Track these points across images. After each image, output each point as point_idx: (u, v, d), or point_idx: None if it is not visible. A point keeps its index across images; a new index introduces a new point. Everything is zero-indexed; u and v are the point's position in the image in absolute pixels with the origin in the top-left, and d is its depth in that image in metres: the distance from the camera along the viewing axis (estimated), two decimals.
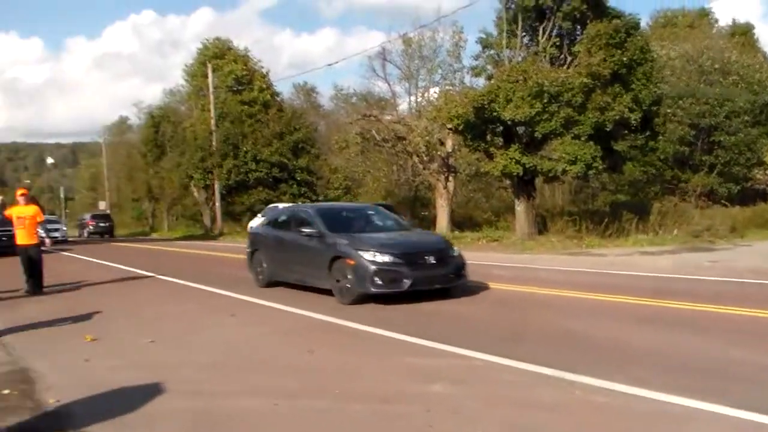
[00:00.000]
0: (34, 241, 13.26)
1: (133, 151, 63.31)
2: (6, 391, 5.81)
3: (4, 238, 23.31)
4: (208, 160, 42.62)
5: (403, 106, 37.19)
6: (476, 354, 6.67)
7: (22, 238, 13.17)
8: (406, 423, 4.80)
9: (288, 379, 6.11)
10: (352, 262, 9.82)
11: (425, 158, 30.28)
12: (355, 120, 32.95)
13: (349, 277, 9.88)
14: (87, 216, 55.06)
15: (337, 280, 10.17)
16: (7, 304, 11.94)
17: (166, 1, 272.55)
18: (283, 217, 13.04)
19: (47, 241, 14.09)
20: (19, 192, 13.96)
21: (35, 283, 13.17)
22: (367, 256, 9.73)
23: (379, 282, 9.59)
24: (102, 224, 51.52)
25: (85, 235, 50.03)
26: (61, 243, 34.16)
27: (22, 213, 13.19)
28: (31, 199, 14.12)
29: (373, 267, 9.60)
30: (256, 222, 30.20)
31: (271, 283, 12.18)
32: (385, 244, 10.17)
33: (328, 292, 10.77)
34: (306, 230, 11.04)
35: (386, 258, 9.69)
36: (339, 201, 39.00)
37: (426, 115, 30.07)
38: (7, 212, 13.97)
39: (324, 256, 10.45)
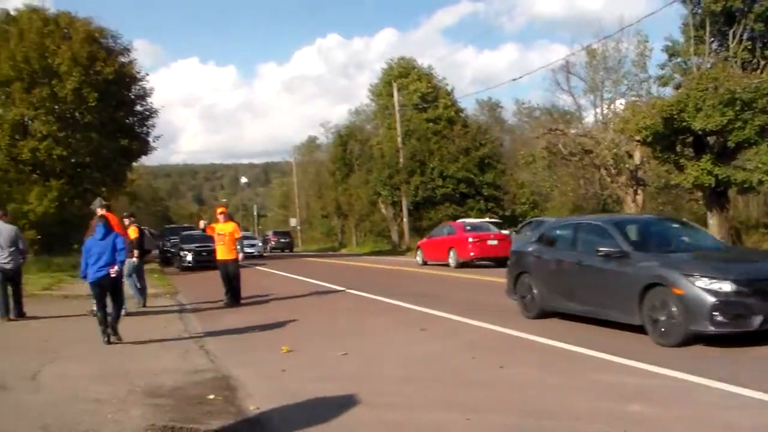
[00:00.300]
0: (233, 257, 14.57)
1: (322, 169, 68.94)
2: (211, 396, 6.52)
3: (204, 253, 26.76)
4: (396, 176, 45.48)
5: (588, 118, 38.11)
6: (676, 374, 6.75)
7: (221, 253, 14.61)
8: None
9: (480, 393, 6.39)
10: (679, 292, 8.16)
11: (613, 171, 31.01)
12: (541, 134, 33.65)
13: (674, 310, 8.19)
14: (270, 233, 64.94)
15: (654, 316, 8.48)
16: (209, 314, 13.28)
17: (350, 25, 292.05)
18: (560, 232, 11.57)
19: (240, 255, 14.90)
20: (219, 210, 15.45)
21: (233, 296, 14.52)
22: (701, 283, 8.05)
23: (721, 319, 7.87)
24: (282, 240, 60.45)
25: (268, 249, 56.87)
26: (256, 258, 39.11)
27: (221, 230, 14.62)
28: (229, 217, 15.27)
29: (711, 299, 7.90)
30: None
31: (545, 314, 10.82)
32: (719, 267, 8.45)
33: (512, 309, 11.30)
34: (603, 249, 9.39)
35: (728, 286, 7.98)
36: (526, 216, 40.25)
37: (613, 127, 30.73)
38: (209, 229, 15.14)
39: (631, 282, 8.82)
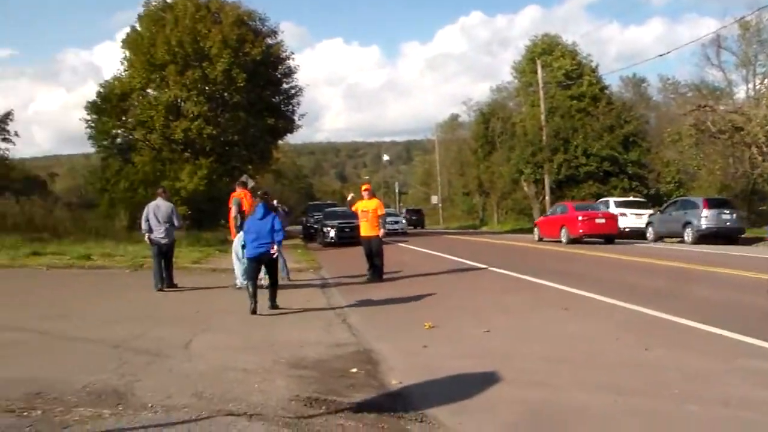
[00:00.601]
0: (376, 233, 14.75)
1: (464, 146, 69.17)
2: (354, 370, 6.61)
3: (347, 230, 27.16)
4: (539, 154, 44.94)
5: (739, 94, 36.74)
6: None
7: (365, 230, 14.85)
8: (752, 430, 4.86)
9: (625, 375, 6.27)
10: None
11: (765, 149, 30.12)
12: (689, 111, 32.70)
13: None
14: (404, 210, 68.66)
15: None
16: (351, 289, 13.43)
17: (493, 2, 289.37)
18: None
19: (381, 232, 15.03)
20: (363, 187, 15.54)
21: (375, 272, 14.75)
22: None
23: None
24: (413, 217, 62.82)
25: None
26: (399, 234, 39.11)
27: (365, 207, 14.83)
28: (372, 194, 15.34)
29: None
30: None
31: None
32: None
33: (658, 291, 11.54)
34: None
35: None
36: (671, 195, 39.14)
37: (766, 103, 29.88)
38: (354, 206, 15.34)
39: None
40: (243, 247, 12.63)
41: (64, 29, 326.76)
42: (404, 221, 46.24)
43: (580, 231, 25.53)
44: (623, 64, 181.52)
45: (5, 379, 6.07)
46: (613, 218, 26.58)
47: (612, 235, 26.16)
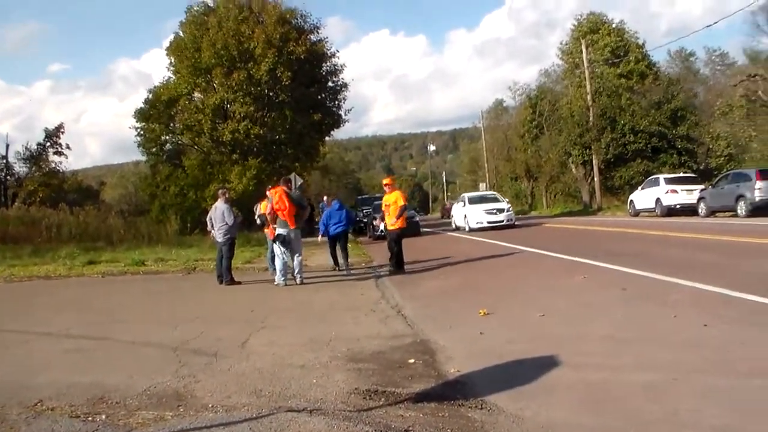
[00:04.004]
0: (399, 225, 15.06)
1: (510, 132, 69.00)
2: (411, 360, 6.64)
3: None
4: (586, 135, 44.64)
5: None
6: None
7: (388, 223, 15.24)
8: None
9: (685, 353, 6.19)
10: None
11: None
12: (739, 82, 32.58)
13: None
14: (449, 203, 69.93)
15: None
16: (404, 280, 13.66)
17: None
18: None
19: (401, 223, 15.20)
20: (384, 182, 15.97)
21: (397, 263, 14.99)
22: None
23: None
24: None
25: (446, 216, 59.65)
26: (507, 227, 37.66)
27: (386, 201, 15.27)
28: (393, 187, 15.61)
29: None
30: (637, 195, 32.78)
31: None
32: None
33: (714, 266, 11.50)
34: None
35: None
36: (722, 169, 38.28)
37: None
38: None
39: None
40: (274, 241, 13.50)
41: (114, 40, 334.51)
42: (510, 210, 31.54)
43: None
44: (673, 38, 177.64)
45: (69, 384, 6.17)
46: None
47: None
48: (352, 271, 15.97)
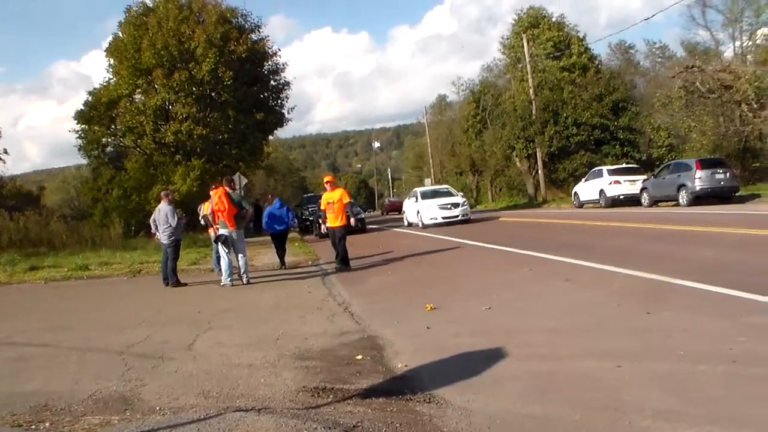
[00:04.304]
0: (342, 223, 15.07)
1: (454, 127, 69.19)
2: (359, 357, 6.66)
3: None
4: (529, 128, 45.27)
5: (727, 53, 36.70)
6: None
7: (330, 221, 15.25)
8: (762, 385, 4.80)
9: (629, 341, 6.27)
10: None
11: (755, 105, 30.12)
12: (677, 73, 32.78)
13: None
14: (386, 201, 74.72)
15: None
16: (350, 277, 13.62)
17: None
18: None
19: (352, 221, 15.48)
20: (325, 179, 15.95)
21: (342, 261, 15.09)
22: None
23: None
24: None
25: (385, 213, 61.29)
26: (462, 223, 35.34)
27: (329, 198, 15.21)
28: (335, 185, 15.74)
29: None
30: (581, 187, 33.40)
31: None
32: None
33: (657, 255, 11.71)
34: None
35: None
36: (663, 160, 38.93)
37: (754, 59, 30.07)
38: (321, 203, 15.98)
39: None
40: (216, 242, 13.61)
41: (52, 41, 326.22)
42: (466, 205, 29.49)
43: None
44: (612, 30, 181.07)
45: (11, 393, 6.06)
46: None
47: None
48: (299, 270, 15.99)
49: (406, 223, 31.91)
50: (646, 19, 46.09)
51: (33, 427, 4.98)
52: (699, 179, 24.75)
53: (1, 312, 12.48)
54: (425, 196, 30.14)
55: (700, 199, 24.74)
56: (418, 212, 29.10)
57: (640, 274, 9.75)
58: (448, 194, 30.30)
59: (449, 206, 28.24)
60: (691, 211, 22.59)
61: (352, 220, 15.43)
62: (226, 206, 13.51)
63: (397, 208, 72.96)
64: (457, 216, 27.92)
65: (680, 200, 25.52)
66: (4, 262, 19.77)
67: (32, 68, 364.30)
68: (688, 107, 34.46)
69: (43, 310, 12.40)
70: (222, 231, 13.54)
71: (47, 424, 5.03)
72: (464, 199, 30.14)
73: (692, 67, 32.65)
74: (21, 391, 6.14)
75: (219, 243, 13.63)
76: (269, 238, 17.79)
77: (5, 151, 43.30)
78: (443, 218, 27.71)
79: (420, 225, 28.41)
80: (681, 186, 25.52)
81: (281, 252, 16.99)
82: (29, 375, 6.88)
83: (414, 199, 31.01)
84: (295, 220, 18.57)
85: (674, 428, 4.20)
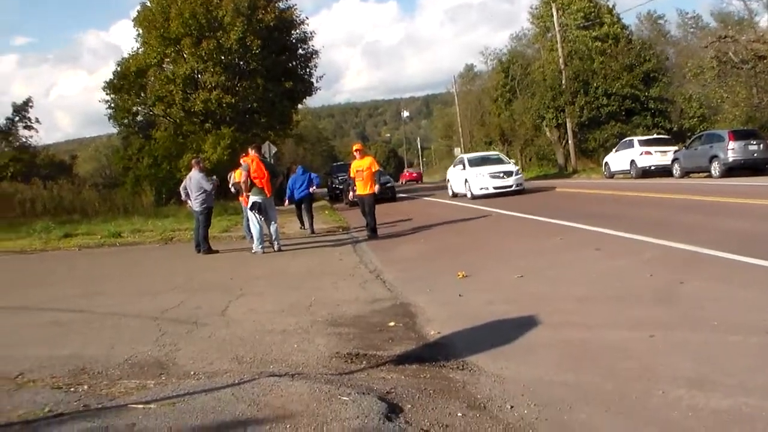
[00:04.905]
0: (371, 191, 15.00)
1: (483, 96, 69.25)
2: (392, 324, 6.67)
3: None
4: (559, 98, 44.66)
5: (762, 23, 35.96)
6: None
7: (360, 188, 15.12)
8: None
9: (661, 310, 6.20)
10: None
11: None
12: (710, 43, 32.54)
13: None
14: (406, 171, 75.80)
15: None
16: (382, 245, 13.70)
17: None
18: None
19: (376, 188, 15.23)
20: (354, 148, 15.91)
21: (370, 230, 15.15)
22: None
23: None
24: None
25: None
26: (517, 193, 28.96)
27: (358, 166, 15.12)
28: (364, 153, 15.62)
29: None
30: (612, 157, 32.93)
31: None
32: None
33: (689, 225, 11.65)
34: None
35: None
36: (695, 131, 38.18)
37: None
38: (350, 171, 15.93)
39: None
40: (251, 209, 13.34)
41: (81, 12, 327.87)
42: (520, 174, 27.03)
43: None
44: (643, 1, 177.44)
45: (50, 357, 6.13)
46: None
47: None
48: (330, 237, 16.12)
49: (450, 193, 28.94)
50: None
51: (72, 389, 5.03)
52: (732, 150, 24.31)
53: (38, 278, 12.67)
54: (474, 163, 26.99)
55: (732, 170, 24.31)
56: (466, 181, 26.11)
57: (672, 245, 9.63)
58: (499, 161, 27.29)
59: (501, 175, 25.15)
60: (724, 182, 22.27)
61: (377, 187, 15.23)
62: (265, 173, 13.53)
63: (414, 178, 73.74)
64: (511, 186, 24.97)
65: (712, 171, 25.10)
66: (39, 230, 20.06)
67: (62, 39, 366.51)
68: (720, 78, 33.81)
69: (77, 276, 12.58)
70: (255, 198, 13.48)
71: (85, 387, 5.08)
72: (517, 167, 27.34)
73: (725, 37, 32.19)
74: (59, 354, 6.21)
75: (253, 210, 13.57)
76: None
77: (37, 121, 43.94)
78: (495, 188, 24.80)
79: (468, 195, 25.62)
80: (713, 157, 25.10)
81: (308, 216, 17.69)
82: (66, 339, 6.97)
83: (461, 166, 27.73)
84: (318, 183, 19.07)
85: (708, 398, 4.15)
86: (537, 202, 20.55)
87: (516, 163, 28.69)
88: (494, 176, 25.07)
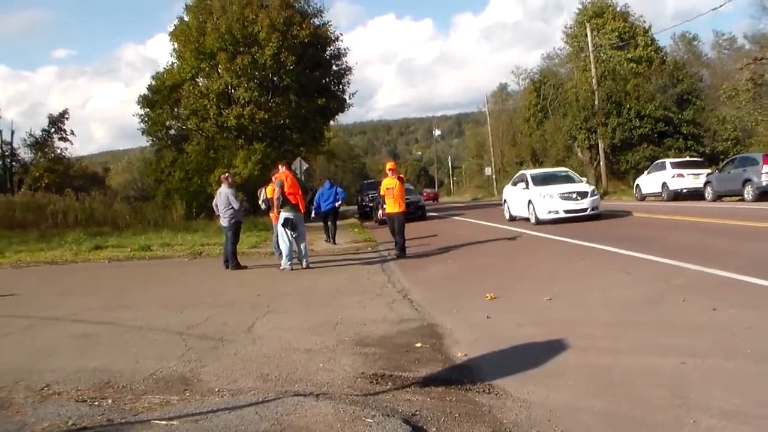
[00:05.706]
0: (401, 209, 15.16)
1: (515, 116, 69.27)
2: (418, 345, 6.63)
3: (409, 207, 28.91)
4: (592, 119, 44.57)
5: None
6: None
7: (389, 207, 15.22)
8: None
9: (693, 337, 6.09)
10: None
11: None
12: (745, 65, 32.13)
13: None
14: (424, 191, 77.89)
15: None
16: (410, 264, 13.63)
17: None
18: None
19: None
20: (388, 166, 15.96)
21: (400, 248, 15.08)
22: None
23: None
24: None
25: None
26: (590, 218, 23.32)
27: (389, 184, 15.20)
28: (397, 173, 15.67)
29: None
30: (643, 179, 32.54)
31: None
32: None
33: (722, 250, 11.45)
34: None
35: None
36: (728, 153, 37.98)
37: None
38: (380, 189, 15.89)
39: None
40: (284, 226, 13.20)
41: (120, 26, 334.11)
42: (596, 195, 21.98)
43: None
44: (679, 21, 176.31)
45: (76, 369, 6.17)
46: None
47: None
48: (359, 255, 16.14)
49: (507, 216, 24.34)
50: (714, 9, 44.24)
51: (96, 403, 5.05)
52: (766, 174, 23.88)
53: (67, 290, 12.81)
54: (539, 181, 22.38)
55: (766, 194, 23.85)
56: (530, 203, 21.65)
57: (704, 269, 9.52)
58: (569, 179, 22.66)
59: (575, 195, 20.91)
60: (757, 206, 21.90)
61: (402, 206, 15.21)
62: (300, 190, 13.64)
63: (431, 197, 74.98)
64: (585, 209, 20.69)
65: (745, 195, 24.71)
66: (71, 241, 20.32)
67: (101, 52, 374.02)
68: (755, 100, 33.51)
69: (106, 288, 12.67)
70: (288, 215, 13.46)
71: (110, 401, 5.10)
72: (593, 187, 23.01)
73: (761, 58, 31.89)
74: (85, 367, 6.25)
75: (286, 227, 13.51)
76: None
77: (72, 132, 44.69)
78: (566, 211, 20.61)
79: (532, 220, 21.38)
80: (746, 181, 24.71)
81: (333, 228, 19.18)
82: (93, 352, 7.01)
83: (522, 184, 22.99)
84: (343, 197, 20.35)
85: (740, 430, 4.07)
86: (566, 225, 19.81)
87: (588, 182, 24.41)
88: (565, 197, 20.83)
